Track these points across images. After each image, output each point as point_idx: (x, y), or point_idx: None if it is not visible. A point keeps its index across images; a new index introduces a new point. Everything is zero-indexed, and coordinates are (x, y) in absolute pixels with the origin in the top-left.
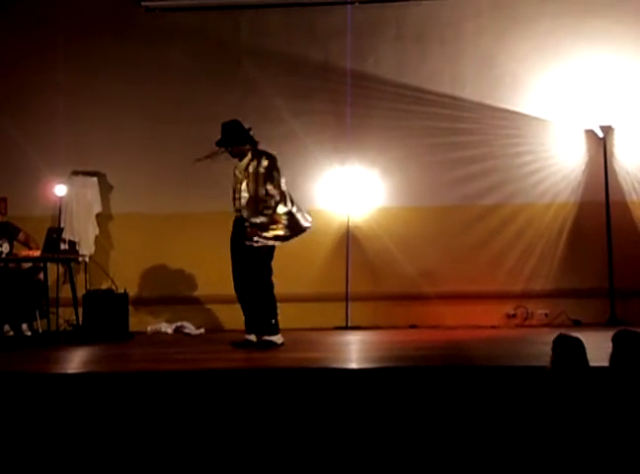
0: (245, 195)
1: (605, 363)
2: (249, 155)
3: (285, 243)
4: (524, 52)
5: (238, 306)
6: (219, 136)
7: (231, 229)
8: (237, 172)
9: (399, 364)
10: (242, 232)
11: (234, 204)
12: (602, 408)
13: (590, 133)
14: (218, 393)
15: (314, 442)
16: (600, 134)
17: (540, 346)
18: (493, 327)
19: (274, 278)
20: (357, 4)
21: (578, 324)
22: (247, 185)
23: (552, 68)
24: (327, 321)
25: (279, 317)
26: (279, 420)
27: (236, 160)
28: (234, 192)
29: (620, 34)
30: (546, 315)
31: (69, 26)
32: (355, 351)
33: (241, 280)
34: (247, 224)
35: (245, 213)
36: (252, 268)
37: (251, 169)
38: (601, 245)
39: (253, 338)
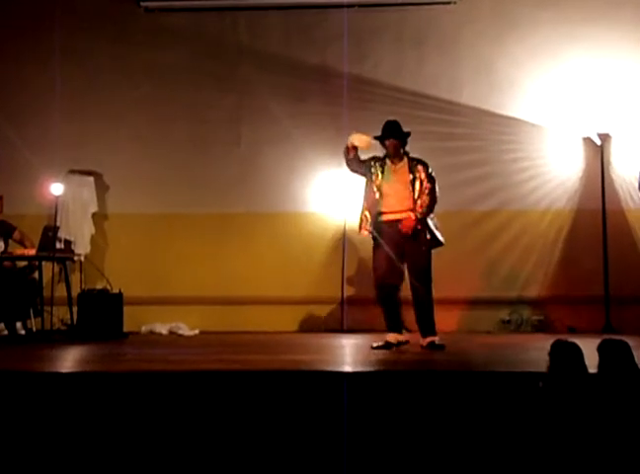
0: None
1: None
2: (405, 159)
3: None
4: (522, 58)
5: (232, 307)
6: (215, 136)
7: (381, 230)
8: (387, 172)
9: (394, 368)
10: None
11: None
12: (599, 415)
13: (587, 141)
14: (213, 395)
15: (309, 445)
16: (598, 142)
17: (535, 352)
18: (487, 332)
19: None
20: (356, 8)
21: (573, 331)
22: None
23: (550, 75)
24: (323, 324)
25: None
26: (273, 422)
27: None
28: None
29: (618, 41)
30: (541, 322)
31: (67, 25)
32: (350, 354)
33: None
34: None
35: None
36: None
37: (415, 173)
38: (597, 252)
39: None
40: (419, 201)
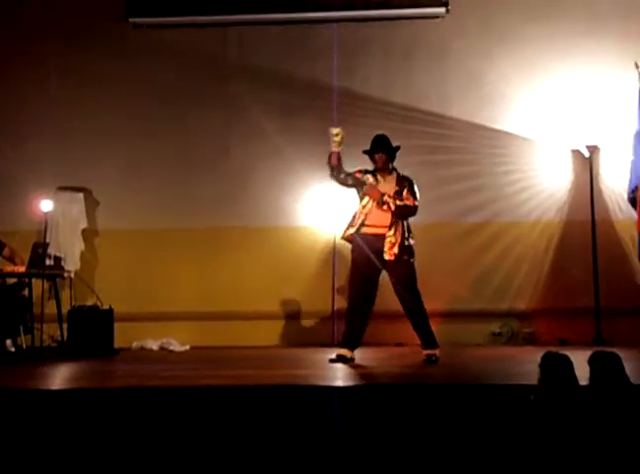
0: None
1: None
2: (394, 173)
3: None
4: (511, 72)
5: (223, 322)
6: (204, 152)
7: (362, 244)
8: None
9: (385, 382)
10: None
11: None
12: (590, 427)
13: (576, 153)
14: (205, 411)
15: (299, 460)
16: (587, 154)
17: (526, 364)
18: (478, 345)
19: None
20: (344, 22)
21: (563, 343)
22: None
23: (539, 88)
24: (314, 338)
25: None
26: (264, 437)
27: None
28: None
29: (605, 55)
30: (531, 334)
31: (57, 41)
32: (341, 368)
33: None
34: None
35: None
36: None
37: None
38: (587, 264)
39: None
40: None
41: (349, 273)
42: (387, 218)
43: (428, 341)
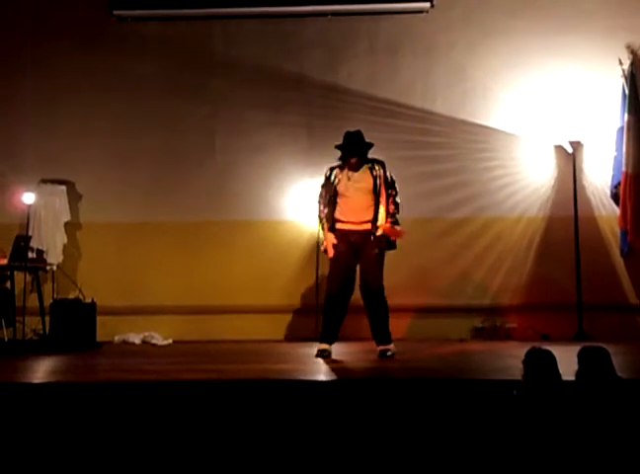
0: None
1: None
2: (365, 166)
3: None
4: (495, 66)
5: (206, 316)
6: (189, 146)
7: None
8: (349, 180)
9: (367, 377)
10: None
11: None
12: (577, 422)
13: (559, 149)
14: (187, 405)
15: (282, 455)
16: (570, 150)
17: (508, 359)
18: (461, 340)
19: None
20: (329, 17)
21: (546, 338)
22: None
23: (522, 83)
24: (297, 333)
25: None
26: (247, 432)
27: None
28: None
29: (590, 50)
30: (514, 329)
31: (38, 33)
32: (323, 363)
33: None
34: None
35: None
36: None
37: (374, 173)
38: (570, 259)
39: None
40: (382, 209)
41: (330, 269)
42: (363, 212)
43: (385, 336)
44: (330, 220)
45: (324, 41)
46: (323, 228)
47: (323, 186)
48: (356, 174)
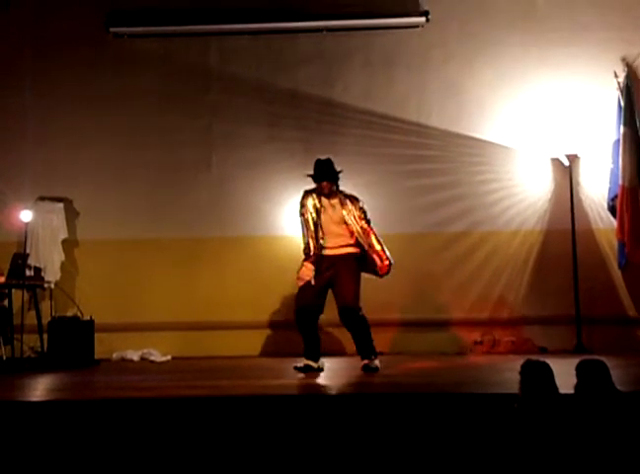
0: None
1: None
2: (338, 195)
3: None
4: (490, 80)
5: (204, 332)
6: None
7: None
8: (323, 208)
9: (364, 391)
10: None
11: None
12: (576, 435)
13: (556, 162)
14: (186, 421)
15: (274, 468)
16: (566, 163)
17: (507, 373)
18: (459, 354)
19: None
20: (324, 32)
21: (544, 351)
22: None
23: (518, 96)
24: (294, 348)
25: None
26: (243, 447)
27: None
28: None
29: (585, 64)
30: (513, 342)
31: (36, 50)
32: (320, 377)
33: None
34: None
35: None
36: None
37: (351, 208)
38: (568, 273)
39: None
40: (372, 237)
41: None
42: (338, 237)
43: (368, 350)
44: (315, 252)
45: (319, 57)
46: (306, 259)
47: (302, 214)
48: (328, 203)
